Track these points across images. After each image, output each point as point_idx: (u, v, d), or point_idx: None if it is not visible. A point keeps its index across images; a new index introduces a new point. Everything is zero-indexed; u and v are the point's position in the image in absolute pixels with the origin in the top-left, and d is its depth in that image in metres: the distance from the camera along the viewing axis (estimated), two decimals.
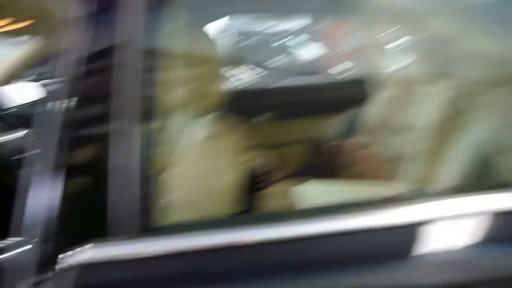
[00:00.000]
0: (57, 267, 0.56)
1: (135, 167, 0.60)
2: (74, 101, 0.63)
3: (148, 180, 0.61)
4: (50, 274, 0.57)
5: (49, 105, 0.65)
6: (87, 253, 0.56)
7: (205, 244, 0.58)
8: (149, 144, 0.63)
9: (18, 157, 1.72)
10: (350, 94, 1.87)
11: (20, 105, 2.06)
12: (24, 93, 2.08)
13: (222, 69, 1.06)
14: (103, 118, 0.64)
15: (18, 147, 1.74)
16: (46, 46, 1.77)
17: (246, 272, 0.59)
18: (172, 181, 0.72)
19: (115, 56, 0.65)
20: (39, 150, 0.62)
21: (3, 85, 1.90)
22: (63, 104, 0.64)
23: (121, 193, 0.59)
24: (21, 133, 1.85)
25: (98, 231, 0.60)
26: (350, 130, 1.69)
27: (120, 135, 0.61)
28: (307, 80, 2.34)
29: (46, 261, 0.58)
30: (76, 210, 0.63)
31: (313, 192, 1.13)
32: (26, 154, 1.73)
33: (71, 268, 0.55)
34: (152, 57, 0.65)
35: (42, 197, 0.60)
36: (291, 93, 2.09)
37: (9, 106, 1.97)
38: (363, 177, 1.43)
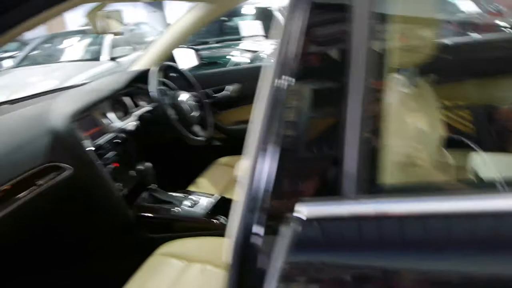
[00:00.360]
0: (287, 220, 0.59)
1: (362, 126, 0.59)
2: (298, 60, 0.64)
3: (373, 140, 0.60)
4: (281, 225, 0.60)
5: (266, 63, 0.66)
6: (314, 208, 0.58)
7: (425, 210, 0.56)
8: (375, 102, 0.62)
9: (194, 115, 1.89)
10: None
11: (192, 68, 2.24)
12: (191, 56, 2.26)
13: (429, 27, 0.99)
14: (330, 77, 0.65)
15: (193, 106, 1.91)
16: (212, 11, 1.88)
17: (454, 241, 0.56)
18: (389, 140, 0.71)
19: (341, 12, 0.64)
20: (265, 107, 0.64)
21: (176, 47, 2.08)
22: (284, 63, 0.65)
23: (350, 152, 0.59)
24: (195, 93, 2.02)
25: (325, 189, 0.62)
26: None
27: (349, 93, 0.61)
28: (485, 37, 2.08)
29: (277, 215, 0.62)
30: (305, 168, 0.65)
31: (490, 163, 1.02)
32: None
33: (301, 221, 0.57)
34: (377, 12, 0.62)
35: (274, 156, 0.63)
36: (469, 51, 1.88)
37: (182, 68, 2.13)
38: None
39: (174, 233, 1.55)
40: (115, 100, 1.78)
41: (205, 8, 1.87)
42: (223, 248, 1.37)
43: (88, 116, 1.59)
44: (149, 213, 1.60)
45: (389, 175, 0.64)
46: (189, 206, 1.59)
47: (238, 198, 0.64)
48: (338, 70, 0.62)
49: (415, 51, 0.95)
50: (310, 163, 0.64)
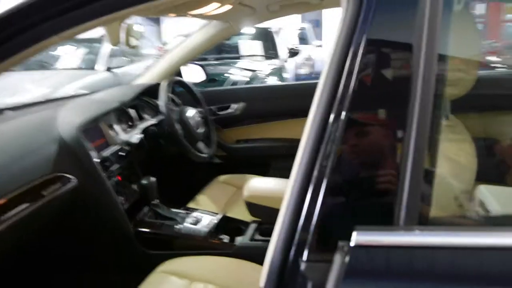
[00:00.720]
0: (340, 247, 0.59)
1: (415, 159, 0.60)
2: (349, 93, 0.64)
3: (424, 172, 0.61)
4: (327, 253, 0.60)
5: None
6: (365, 237, 0.58)
7: (472, 242, 0.57)
8: (432, 135, 0.63)
9: (199, 131, 1.88)
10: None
11: (196, 83, 2.25)
12: (198, 72, 2.27)
13: (472, 63, 1.02)
14: (382, 111, 0.65)
15: (199, 122, 1.90)
16: (224, 30, 1.90)
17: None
18: (437, 172, 0.71)
19: (398, 50, 0.65)
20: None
21: (185, 63, 2.09)
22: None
23: (403, 184, 0.60)
24: (200, 109, 2.02)
25: (375, 218, 0.62)
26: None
27: (406, 126, 0.61)
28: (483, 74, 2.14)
29: (324, 242, 0.62)
30: (354, 197, 0.65)
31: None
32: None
33: (352, 249, 0.57)
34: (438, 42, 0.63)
35: (321, 182, 0.63)
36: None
37: (191, 84, 2.12)
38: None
39: (175, 250, 1.52)
40: (120, 112, 1.77)
41: (218, 27, 1.89)
42: (225, 267, 1.36)
43: (95, 127, 1.57)
44: (150, 228, 1.57)
45: (439, 207, 0.65)
46: (192, 224, 1.57)
47: (279, 223, 0.64)
48: (391, 105, 0.63)
49: (457, 84, 0.97)
50: (359, 193, 0.65)
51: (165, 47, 7.65)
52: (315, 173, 0.62)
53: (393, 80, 0.65)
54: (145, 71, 2.09)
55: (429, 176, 0.63)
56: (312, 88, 2.48)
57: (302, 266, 0.60)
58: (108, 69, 5.06)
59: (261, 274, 0.64)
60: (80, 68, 5.21)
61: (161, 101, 1.70)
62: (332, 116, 0.63)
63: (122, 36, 1.29)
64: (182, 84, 1.99)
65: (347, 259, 0.55)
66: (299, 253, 0.61)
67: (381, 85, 0.65)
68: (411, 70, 0.61)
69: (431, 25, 0.61)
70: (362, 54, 0.63)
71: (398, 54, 0.65)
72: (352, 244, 0.56)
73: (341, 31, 0.66)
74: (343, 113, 0.63)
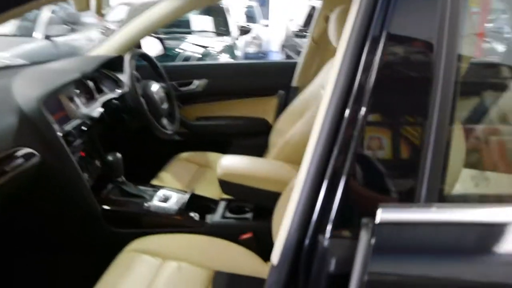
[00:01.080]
0: (364, 223, 0.60)
1: (436, 142, 0.62)
2: (370, 86, 0.64)
3: (444, 152, 0.63)
4: (349, 230, 0.61)
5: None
6: (390, 214, 0.59)
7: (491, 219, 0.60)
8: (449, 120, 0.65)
9: (163, 107, 1.82)
10: (486, 77, 1.79)
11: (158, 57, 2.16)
12: (157, 46, 2.18)
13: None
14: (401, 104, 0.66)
15: (163, 98, 1.84)
16: (189, 3, 1.84)
17: None
18: (454, 152, 0.74)
19: (419, 47, 0.65)
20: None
21: (145, 36, 1.99)
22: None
23: (424, 162, 0.61)
24: (163, 84, 1.96)
25: (397, 196, 0.63)
26: (480, 115, 1.62)
27: (429, 113, 0.63)
28: None
29: (351, 218, 0.62)
30: (376, 175, 0.66)
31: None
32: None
33: (375, 226, 0.57)
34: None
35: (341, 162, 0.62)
36: None
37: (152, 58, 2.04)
38: (489, 168, 1.38)
39: (143, 228, 1.49)
40: (79, 84, 1.67)
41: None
42: (198, 245, 1.35)
43: (54, 99, 1.46)
44: (117, 206, 1.52)
45: (458, 185, 0.68)
46: (160, 201, 1.54)
47: (294, 201, 0.64)
48: (413, 89, 0.65)
49: None
50: (381, 171, 0.66)
51: (104, 17, 7.23)
52: (334, 153, 0.62)
53: (415, 69, 0.66)
54: (102, 42, 1.97)
55: (448, 156, 0.66)
56: (275, 67, 2.52)
57: (324, 243, 0.61)
58: (47, 37, 4.72)
59: (274, 252, 0.65)
60: (15, 35, 4.81)
61: (126, 75, 1.62)
62: (348, 107, 0.63)
63: (92, 3, 1.20)
64: (146, 57, 1.91)
65: (373, 236, 0.56)
66: (319, 230, 0.61)
67: (403, 73, 0.67)
68: (434, 59, 0.63)
69: (453, 13, 0.63)
70: (382, 47, 0.63)
71: (420, 46, 0.66)
72: (377, 221, 0.57)
73: (355, 22, 0.65)
74: (363, 103, 0.63)
